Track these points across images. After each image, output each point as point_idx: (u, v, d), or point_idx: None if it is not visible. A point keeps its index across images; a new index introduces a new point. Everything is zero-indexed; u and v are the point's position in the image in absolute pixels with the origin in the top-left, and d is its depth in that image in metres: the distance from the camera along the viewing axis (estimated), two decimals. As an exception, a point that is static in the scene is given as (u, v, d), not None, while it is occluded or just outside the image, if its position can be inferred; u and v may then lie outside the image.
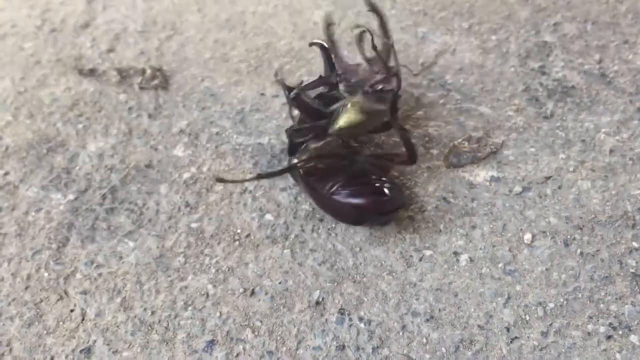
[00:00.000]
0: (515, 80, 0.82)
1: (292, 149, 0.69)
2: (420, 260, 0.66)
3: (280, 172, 0.68)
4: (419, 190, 0.71)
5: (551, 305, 0.61)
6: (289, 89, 0.76)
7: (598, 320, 0.60)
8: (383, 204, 0.65)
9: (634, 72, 0.81)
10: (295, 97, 0.67)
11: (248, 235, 0.68)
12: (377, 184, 0.65)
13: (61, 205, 0.71)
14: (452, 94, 0.81)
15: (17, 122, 0.80)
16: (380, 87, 0.69)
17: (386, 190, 0.65)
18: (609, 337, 0.59)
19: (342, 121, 0.66)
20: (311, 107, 0.68)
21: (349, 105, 0.66)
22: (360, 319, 0.62)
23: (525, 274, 0.64)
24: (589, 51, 0.85)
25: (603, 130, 0.75)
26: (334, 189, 0.65)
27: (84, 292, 0.64)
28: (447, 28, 0.89)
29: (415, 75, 0.79)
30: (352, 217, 0.66)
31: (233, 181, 0.72)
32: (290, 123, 0.77)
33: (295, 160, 0.67)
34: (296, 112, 0.73)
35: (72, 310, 0.63)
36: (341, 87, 0.70)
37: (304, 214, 0.70)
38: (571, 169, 0.72)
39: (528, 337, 0.60)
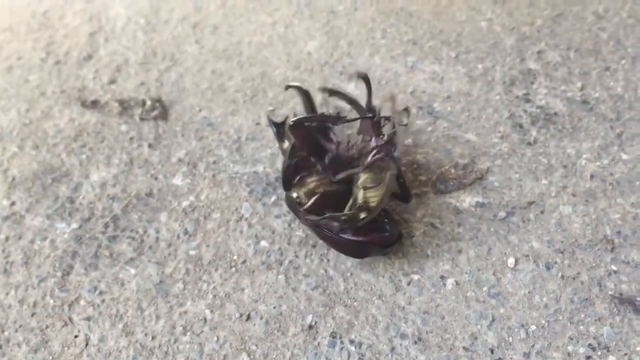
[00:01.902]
0: (501, 107, 0.85)
1: (287, 183, 0.72)
2: (409, 284, 0.69)
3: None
4: (407, 216, 0.74)
5: (533, 327, 0.64)
6: (276, 124, 0.79)
7: (578, 342, 0.63)
8: (386, 239, 0.68)
9: (614, 99, 0.85)
10: (294, 124, 0.70)
11: (244, 262, 0.71)
12: (377, 220, 0.69)
13: (65, 234, 0.75)
14: (439, 121, 0.84)
15: (23, 153, 0.84)
16: (377, 156, 0.70)
17: (387, 226, 0.69)
18: (588, 358, 0.62)
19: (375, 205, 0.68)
20: (309, 138, 0.71)
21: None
22: (351, 342, 0.65)
23: (509, 297, 0.67)
24: (571, 78, 0.88)
25: (584, 156, 0.79)
26: (339, 228, 0.67)
27: (88, 319, 0.68)
28: (435, 57, 0.93)
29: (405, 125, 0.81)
30: (357, 252, 0.69)
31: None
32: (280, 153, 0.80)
33: (294, 194, 0.70)
34: (286, 145, 0.76)
35: (76, 336, 0.66)
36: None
37: (297, 240, 0.73)
38: (553, 194, 0.75)
39: (511, 358, 0.62)
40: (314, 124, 0.72)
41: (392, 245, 0.69)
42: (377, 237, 0.68)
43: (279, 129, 0.79)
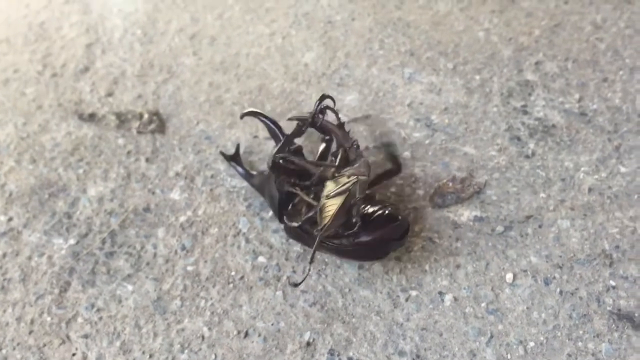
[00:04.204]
0: (498, 119, 0.85)
1: (282, 214, 0.71)
2: (407, 300, 0.68)
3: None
4: (405, 231, 0.74)
5: (532, 344, 0.64)
6: (231, 158, 0.79)
7: (576, 358, 0.63)
8: (400, 228, 0.67)
9: (612, 111, 0.85)
10: (273, 165, 0.69)
11: (242, 278, 0.71)
12: (384, 212, 0.67)
13: (63, 250, 0.74)
14: (437, 134, 0.84)
15: (20, 168, 0.84)
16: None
17: (393, 215, 0.67)
18: (586, 375, 0.62)
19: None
20: (296, 167, 0.71)
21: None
22: (349, 359, 0.64)
23: (507, 313, 0.67)
24: (569, 90, 0.88)
25: (582, 169, 0.78)
26: (353, 235, 0.66)
27: (85, 336, 0.67)
28: (433, 68, 0.93)
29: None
30: (378, 252, 0.68)
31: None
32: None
33: (295, 224, 0.68)
34: (256, 179, 0.76)
35: (74, 354, 0.66)
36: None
37: (295, 255, 0.73)
38: (551, 207, 0.75)
39: (509, 375, 0.62)
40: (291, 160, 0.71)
41: (407, 233, 0.68)
42: (390, 229, 0.67)
43: (236, 160, 0.79)
